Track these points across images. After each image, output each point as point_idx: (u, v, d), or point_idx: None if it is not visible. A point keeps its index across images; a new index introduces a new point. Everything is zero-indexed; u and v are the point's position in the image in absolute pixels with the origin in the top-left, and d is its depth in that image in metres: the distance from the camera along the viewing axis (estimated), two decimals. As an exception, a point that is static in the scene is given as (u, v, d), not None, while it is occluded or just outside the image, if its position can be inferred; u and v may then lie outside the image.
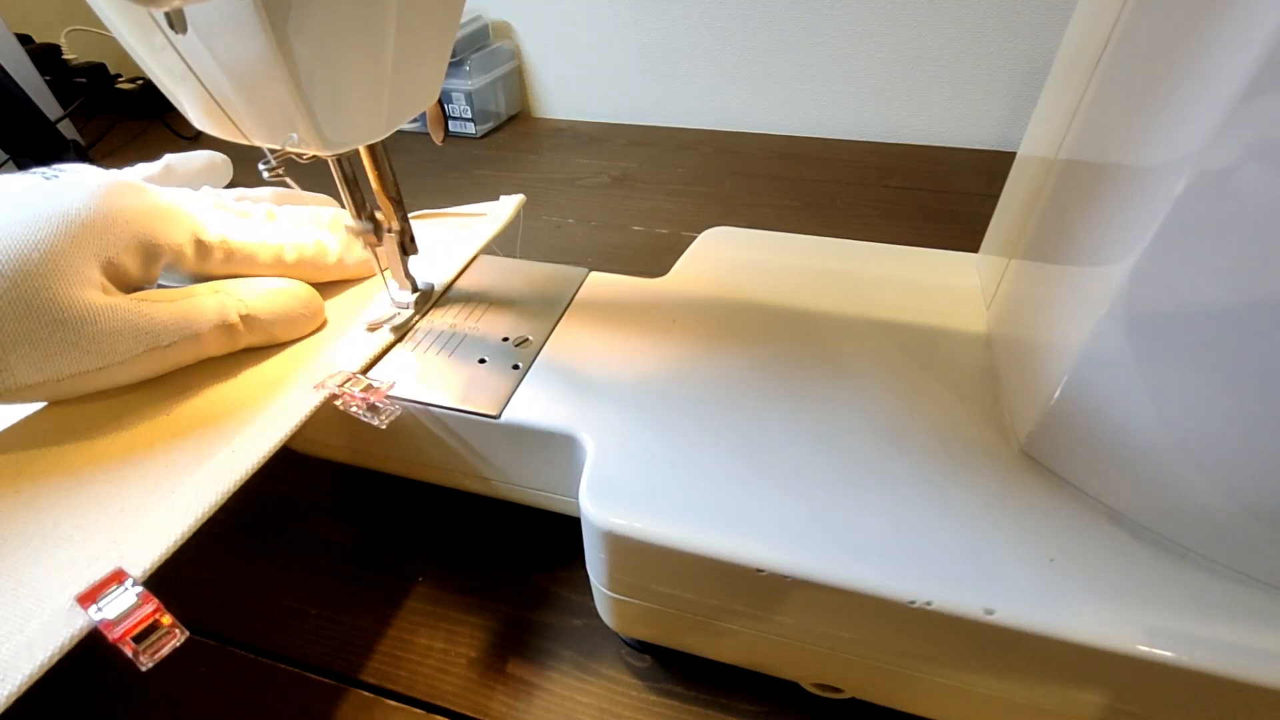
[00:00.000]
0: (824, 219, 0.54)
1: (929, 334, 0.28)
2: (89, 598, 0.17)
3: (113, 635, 0.16)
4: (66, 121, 0.63)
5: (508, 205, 0.37)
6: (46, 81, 0.65)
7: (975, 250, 0.34)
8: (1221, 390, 0.17)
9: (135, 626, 0.16)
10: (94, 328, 0.22)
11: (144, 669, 0.16)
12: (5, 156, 0.55)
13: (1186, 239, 0.16)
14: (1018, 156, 0.31)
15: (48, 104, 0.64)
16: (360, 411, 0.23)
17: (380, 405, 0.24)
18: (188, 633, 0.17)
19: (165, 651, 0.17)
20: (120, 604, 0.17)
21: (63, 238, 0.22)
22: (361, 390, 0.24)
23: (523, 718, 0.24)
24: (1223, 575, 0.19)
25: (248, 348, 0.27)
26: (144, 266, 0.25)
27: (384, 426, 0.23)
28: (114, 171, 0.25)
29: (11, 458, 0.23)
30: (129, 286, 0.25)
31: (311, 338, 0.29)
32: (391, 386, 0.25)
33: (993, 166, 0.60)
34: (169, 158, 0.33)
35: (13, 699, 0.15)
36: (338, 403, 0.24)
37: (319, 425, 0.25)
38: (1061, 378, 0.20)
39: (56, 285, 0.22)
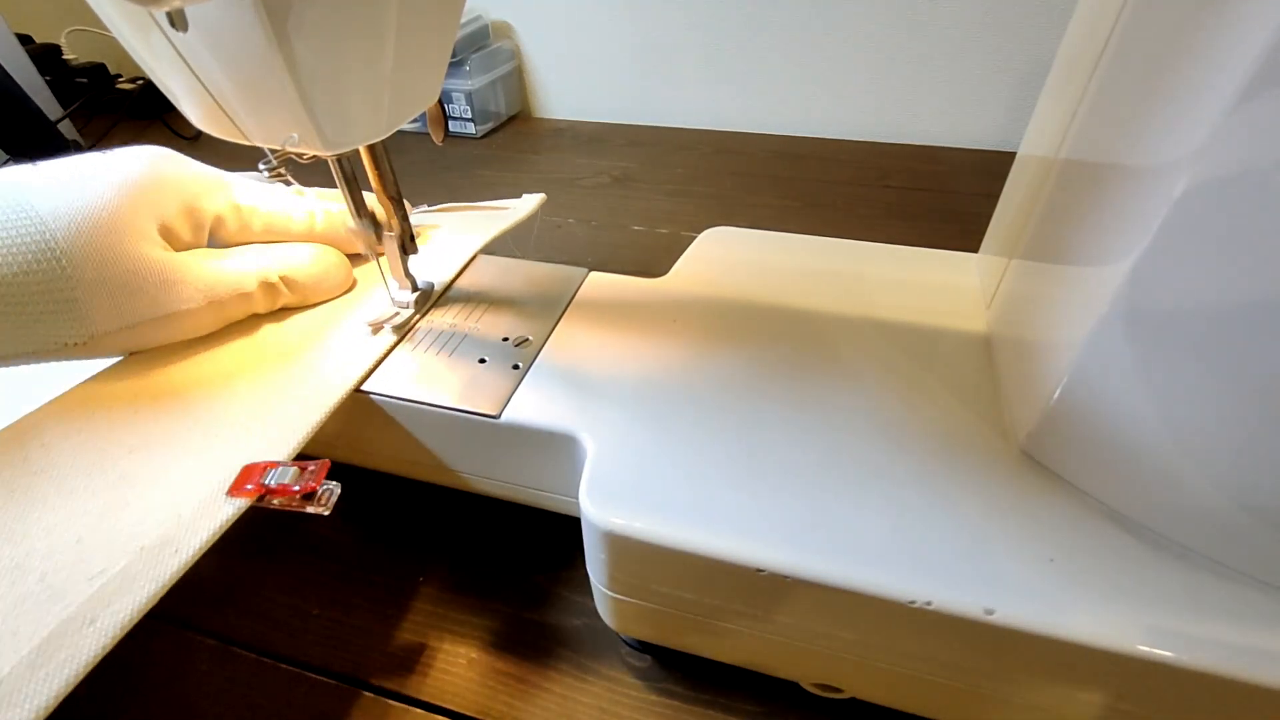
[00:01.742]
0: (824, 219, 0.54)
1: (929, 334, 0.28)
2: (247, 477, 0.21)
3: (291, 499, 0.21)
4: (66, 121, 0.63)
5: (529, 203, 0.39)
6: (46, 81, 0.65)
7: (975, 250, 0.34)
8: (1221, 390, 0.17)
9: (306, 488, 0.21)
10: (160, 277, 0.25)
11: (326, 514, 0.21)
12: (5, 157, 0.55)
13: (1186, 239, 0.16)
14: (1018, 156, 0.31)
15: (48, 104, 0.64)
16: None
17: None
18: (339, 485, 0.21)
19: (333, 501, 0.21)
20: (284, 477, 0.21)
21: (125, 199, 0.24)
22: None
23: (523, 718, 0.24)
24: (1223, 575, 0.19)
25: (286, 306, 0.30)
26: (193, 231, 0.27)
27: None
28: (159, 147, 0.28)
29: (113, 385, 0.25)
30: (183, 248, 0.27)
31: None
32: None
33: (993, 166, 0.60)
34: None
35: (185, 567, 0.19)
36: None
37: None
38: (1061, 378, 0.20)
39: (126, 240, 0.24)
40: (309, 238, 0.31)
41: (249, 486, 0.21)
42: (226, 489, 0.21)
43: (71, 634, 0.17)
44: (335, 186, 0.26)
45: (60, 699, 0.16)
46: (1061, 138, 0.24)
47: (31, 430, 0.24)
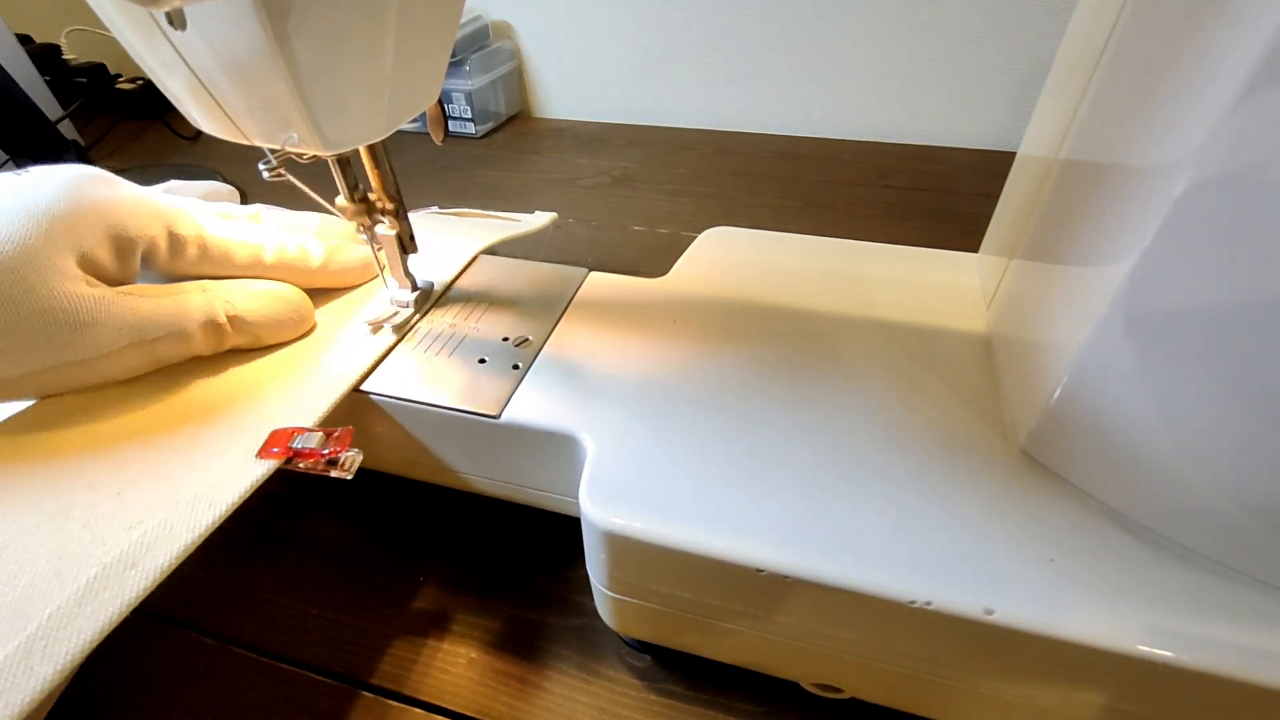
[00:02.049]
0: (824, 219, 0.54)
1: (929, 334, 0.28)
2: (275, 441, 0.22)
3: (316, 463, 0.22)
4: (66, 121, 0.63)
5: (540, 219, 0.40)
6: (46, 81, 0.65)
7: (975, 250, 0.34)
8: (1221, 390, 0.17)
9: (332, 453, 0.22)
10: (75, 318, 0.22)
11: (349, 478, 0.22)
12: (5, 157, 0.55)
13: (1186, 239, 0.16)
14: (1018, 156, 0.31)
15: (48, 104, 0.63)
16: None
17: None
18: (361, 452, 0.22)
19: (355, 467, 0.22)
20: (310, 441, 0.22)
21: (34, 230, 0.22)
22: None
23: (523, 718, 0.24)
24: (1223, 575, 0.19)
25: (234, 349, 0.27)
26: (120, 261, 0.24)
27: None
28: (83, 166, 0.25)
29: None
30: (111, 282, 0.24)
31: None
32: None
33: (993, 166, 0.60)
34: (171, 183, 0.32)
35: (220, 521, 0.20)
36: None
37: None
38: (1061, 378, 0.20)
39: (34, 277, 0.21)
40: (255, 271, 0.28)
41: (276, 450, 0.22)
42: (255, 452, 0.22)
43: (115, 576, 0.18)
44: (334, 187, 0.26)
45: (104, 635, 0.17)
46: (1061, 138, 0.24)
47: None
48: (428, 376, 0.27)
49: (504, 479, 0.27)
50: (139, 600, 0.18)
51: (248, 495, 0.21)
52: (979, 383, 0.26)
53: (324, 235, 0.31)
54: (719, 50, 0.68)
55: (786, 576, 0.19)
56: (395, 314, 0.29)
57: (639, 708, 0.24)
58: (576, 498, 0.22)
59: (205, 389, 0.26)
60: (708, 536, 0.20)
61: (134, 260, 0.25)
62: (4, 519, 0.20)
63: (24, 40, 0.71)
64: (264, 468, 0.22)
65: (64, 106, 0.65)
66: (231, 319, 0.26)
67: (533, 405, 0.25)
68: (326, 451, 0.22)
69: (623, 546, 0.21)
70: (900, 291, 0.31)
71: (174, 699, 0.25)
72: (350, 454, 0.22)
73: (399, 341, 0.29)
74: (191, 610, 0.28)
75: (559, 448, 0.24)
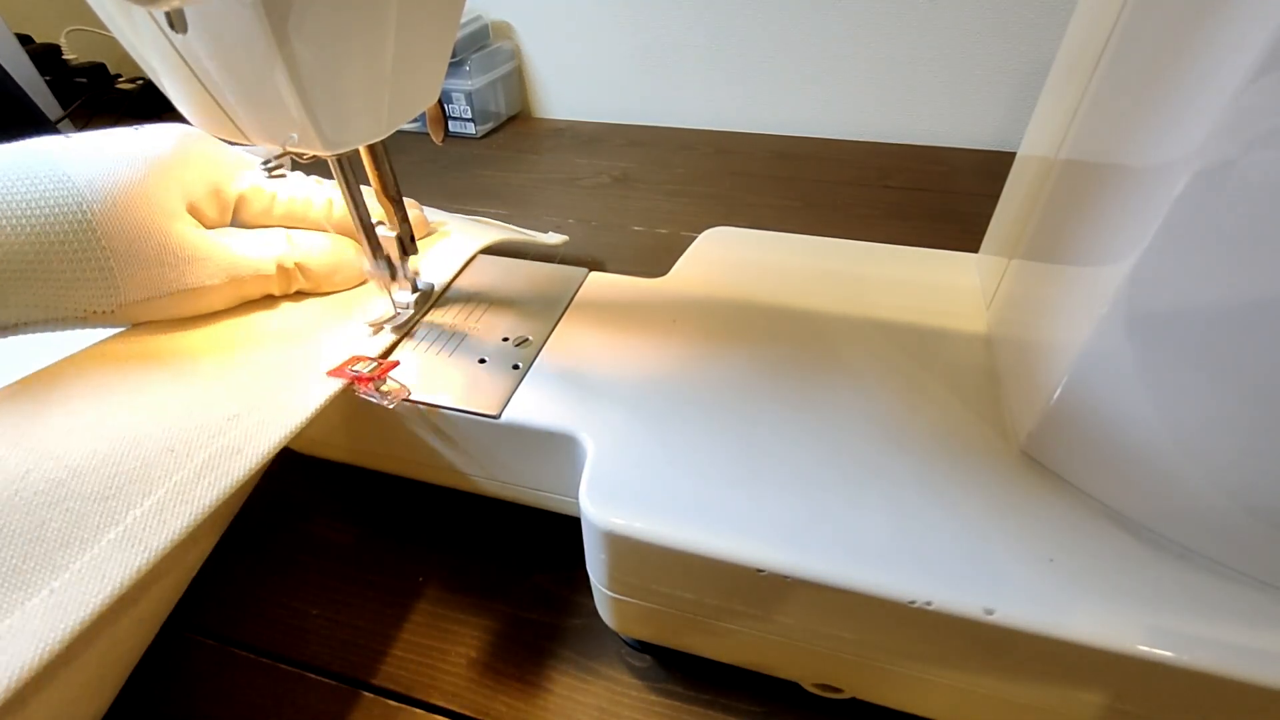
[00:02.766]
0: (824, 219, 0.54)
1: (929, 334, 0.28)
2: (343, 366, 0.26)
3: (370, 385, 0.25)
4: (66, 121, 0.63)
5: (551, 239, 0.42)
6: (46, 81, 0.65)
7: (975, 250, 0.34)
8: (1221, 390, 0.17)
9: (379, 374, 0.26)
10: (188, 253, 0.26)
11: (390, 407, 0.25)
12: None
13: (1186, 239, 0.16)
14: (1018, 156, 0.31)
15: (48, 104, 0.63)
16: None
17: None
18: (409, 389, 0.26)
19: (399, 400, 0.25)
20: (365, 368, 0.26)
21: (157, 175, 0.25)
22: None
23: (522, 718, 0.24)
24: (1223, 575, 0.19)
25: (300, 290, 0.30)
26: (219, 210, 0.28)
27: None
28: (186, 126, 0.27)
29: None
30: (210, 226, 0.28)
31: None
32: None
33: (993, 166, 0.60)
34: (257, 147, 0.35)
35: (296, 431, 0.23)
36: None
37: (319, 424, 0.25)
38: (1061, 378, 0.20)
39: (157, 215, 0.25)
40: (326, 226, 0.32)
41: (346, 370, 0.26)
42: (326, 372, 0.25)
43: (225, 459, 0.21)
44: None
45: (214, 506, 0.20)
46: (1062, 137, 0.24)
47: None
48: (428, 377, 0.27)
49: (504, 479, 0.27)
50: (243, 481, 0.21)
51: (324, 405, 0.24)
52: (979, 383, 0.26)
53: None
54: (719, 50, 0.68)
55: (786, 576, 0.19)
56: (395, 314, 0.29)
57: (639, 708, 0.24)
58: (576, 498, 0.22)
59: (278, 320, 0.29)
60: (708, 536, 0.20)
61: (228, 211, 0.29)
62: (117, 404, 0.23)
63: (24, 40, 0.71)
64: (334, 385, 0.25)
65: (64, 106, 0.65)
66: (300, 265, 0.29)
67: (533, 405, 0.25)
68: (375, 374, 0.26)
69: (623, 546, 0.21)
70: (900, 291, 0.31)
71: (174, 699, 0.25)
72: (394, 384, 0.26)
73: (399, 341, 0.29)
74: (191, 611, 0.28)
75: (559, 448, 0.24)
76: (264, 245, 0.29)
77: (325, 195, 0.32)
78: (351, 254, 0.31)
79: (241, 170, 0.29)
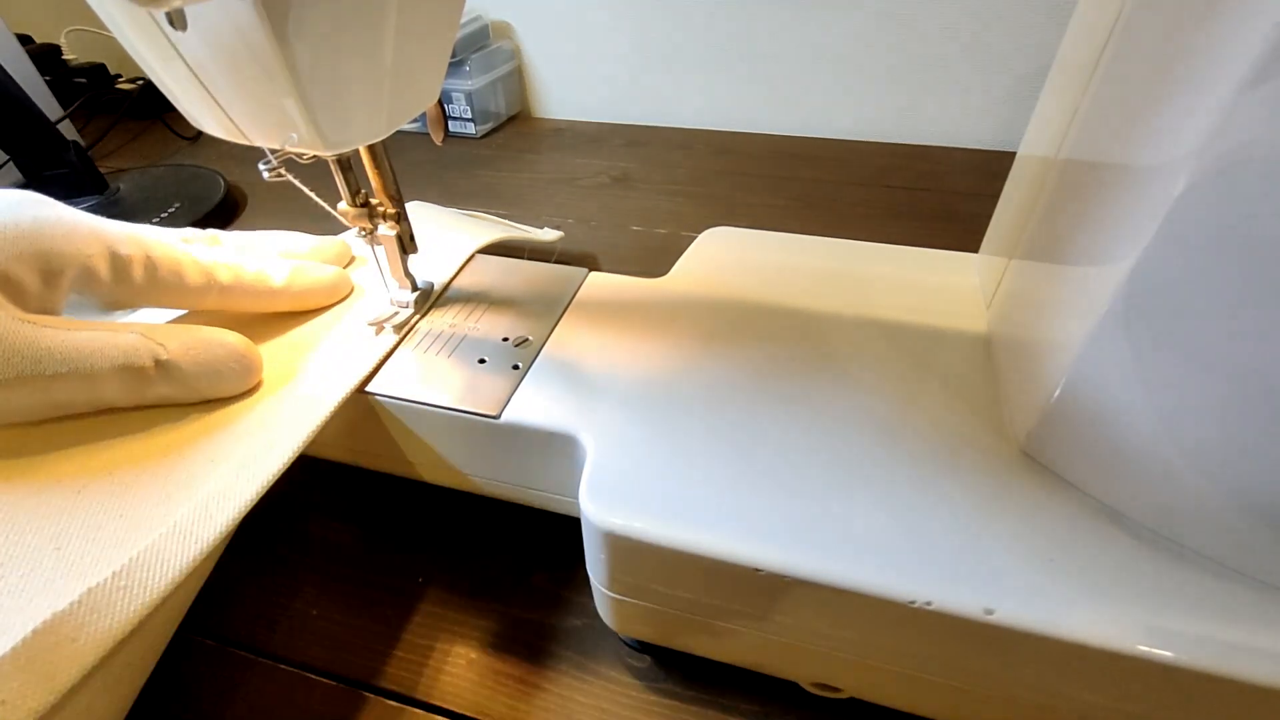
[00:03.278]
0: (824, 219, 0.54)
1: (929, 334, 0.28)
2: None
3: None
4: (66, 122, 0.63)
5: (548, 235, 0.43)
6: (46, 81, 0.65)
7: (975, 250, 0.34)
8: (1222, 390, 0.17)
9: None
10: None
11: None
12: (5, 157, 0.55)
13: (1186, 239, 0.16)
14: (1017, 156, 0.31)
15: (48, 104, 0.63)
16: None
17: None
18: None
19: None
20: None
21: None
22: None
23: (522, 718, 0.24)
24: (1223, 575, 0.19)
25: (161, 403, 0.24)
26: (44, 284, 0.22)
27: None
28: (19, 191, 0.24)
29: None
30: (29, 308, 0.21)
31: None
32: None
33: (993, 166, 0.60)
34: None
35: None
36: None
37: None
38: (1061, 378, 0.20)
39: None
40: (210, 295, 0.26)
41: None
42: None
43: (261, 455, 0.22)
44: (334, 188, 0.26)
45: (254, 501, 0.21)
46: (1061, 137, 0.24)
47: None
48: (428, 377, 0.27)
49: (504, 479, 0.27)
50: (284, 469, 0.22)
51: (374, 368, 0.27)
52: (979, 383, 0.26)
53: (290, 255, 0.30)
54: (719, 50, 0.68)
55: (786, 576, 0.19)
56: (395, 314, 0.29)
57: (639, 708, 0.24)
58: (576, 498, 0.22)
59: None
60: (708, 536, 0.20)
61: (61, 284, 0.22)
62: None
63: (24, 40, 0.71)
64: (350, 377, 0.26)
65: (64, 106, 0.64)
66: (160, 364, 0.23)
67: (533, 405, 0.25)
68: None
69: (623, 546, 0.21)
70: (900, 292, 0.31)
71: (173, 700, 0.25)
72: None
73: (400, 342, 0.29)
74: (191, 611, 0.28)
75: (559, 448, 0.24)
76: (101, 336, 0.22)
77: (210, 257, 0.25)
78: (243, 350, 0.25)
79: (89, 234, 0.23)
